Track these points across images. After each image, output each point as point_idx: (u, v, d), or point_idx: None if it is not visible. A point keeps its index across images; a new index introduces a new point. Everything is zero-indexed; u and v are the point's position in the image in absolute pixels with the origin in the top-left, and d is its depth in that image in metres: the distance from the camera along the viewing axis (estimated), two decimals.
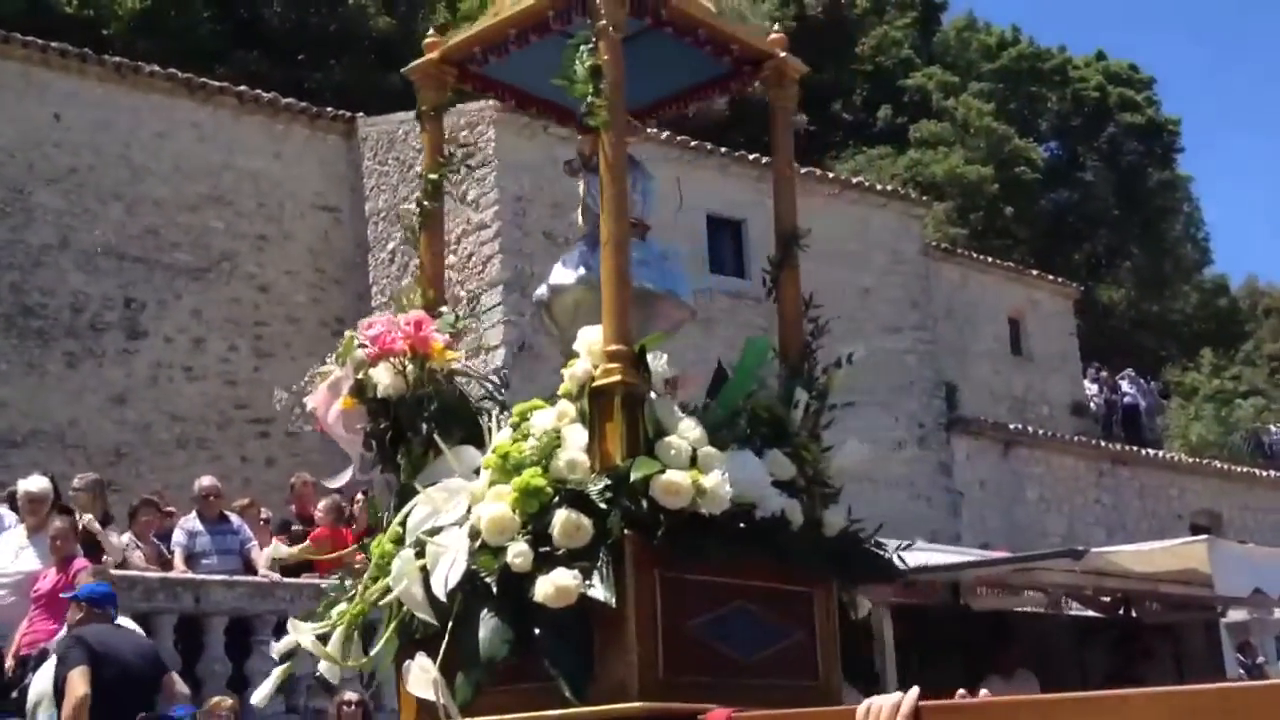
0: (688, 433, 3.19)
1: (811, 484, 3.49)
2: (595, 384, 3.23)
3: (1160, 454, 24.49)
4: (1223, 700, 1.73)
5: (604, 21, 3.38)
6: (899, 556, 3.78)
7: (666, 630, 3.08)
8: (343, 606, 3.41)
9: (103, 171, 17.64)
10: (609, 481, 3.09)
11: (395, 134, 19.52)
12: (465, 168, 4.06)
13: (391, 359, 3.47)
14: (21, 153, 17.32)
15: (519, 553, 3.04)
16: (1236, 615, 11.58)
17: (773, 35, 3.93)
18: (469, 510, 3.21)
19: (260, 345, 17.77)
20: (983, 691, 6.55)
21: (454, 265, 17.99)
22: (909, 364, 20.32)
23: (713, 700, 2.87)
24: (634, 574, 3.05)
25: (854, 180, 22.47)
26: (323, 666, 3.40)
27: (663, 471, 3.07)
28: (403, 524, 3.32)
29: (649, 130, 4.11)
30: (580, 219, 3.89)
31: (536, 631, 3.03)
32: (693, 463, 3.12)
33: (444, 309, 3.72)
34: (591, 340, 3.29)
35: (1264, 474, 25.27)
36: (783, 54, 3.87)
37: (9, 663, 8.20)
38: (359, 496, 10.10)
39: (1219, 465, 24.61)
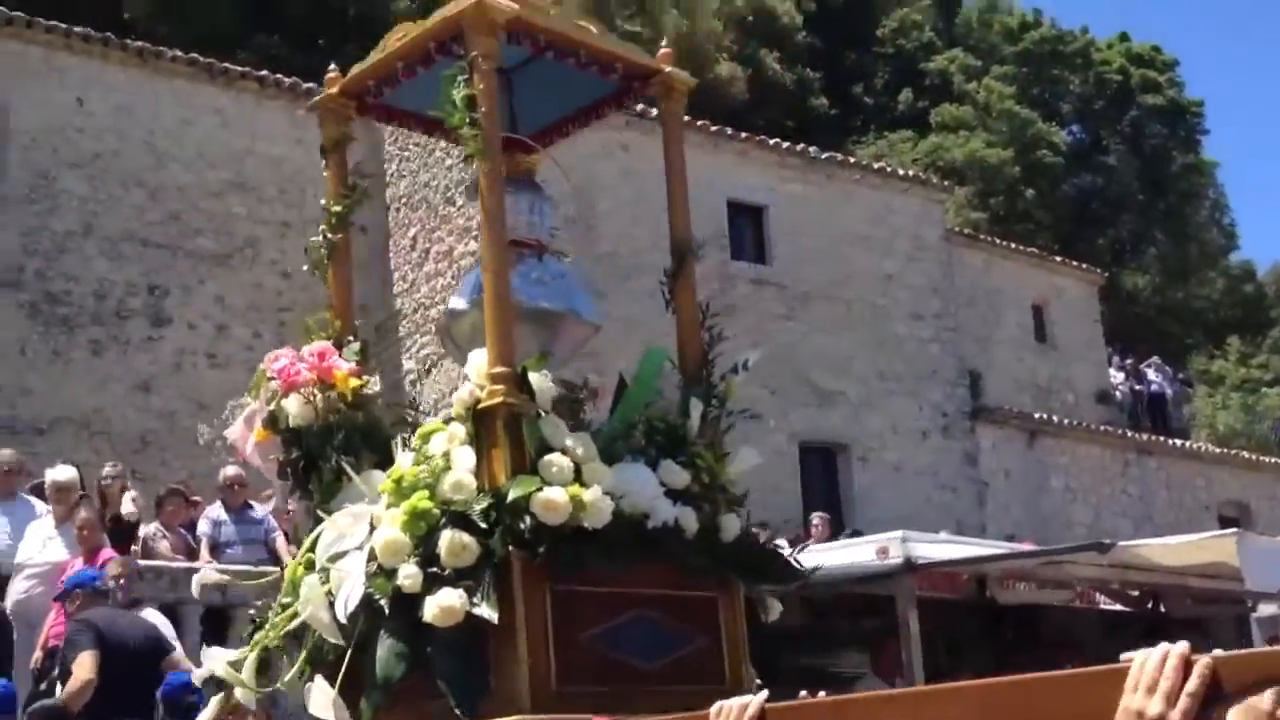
0: (576, 448, 3.29)
1: (708, 491, 3.57)
2: (480, 406, 3.33)
3: (1187, 444, 24.33)
4: (1024, 693, 1.81)
5: (476, 53, 3.50)
6: (796, 558, 3.95)
7: (559, 643, 3.18)
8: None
9: (126, 157, 17.64)
10: (491, 501, 3.19)
11: None
12: (366, 198, 4.14)
13: (302, 390, 3.59)
14: (45, 138, 17.33)
15: (408, 575, 3.15)
16: (1267, 610, 11.49)
17: (661, 51, 4.07)
18: (370, 534, 3.31)
19: (283, 332, 17.76)
20: None
21: (474, 252, 17.92)
22: (932, 352, 20.21)
23: (610, 709, 2.94)
24: (522, 590, 3.16)
25: (875, 165, 22.33)
26: (239, 693, 3.51)
27: (541, 489, 3.16)
28: (312, 549, 3.43)
29: (547, 151, 4.21)
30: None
31: (429, 650, 3.13)
32: (578, 477, 3.22)
33: (351, 338, 3.83)
34: (478, 364, 3.40)
35: None
36: (668, 68, 3.98)
37: (37, 654, 8.21)
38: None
39: (1247, 455, 24.43)
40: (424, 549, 3.19)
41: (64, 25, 17.76)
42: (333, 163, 4.07)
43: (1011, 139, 34.46)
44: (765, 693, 2.11)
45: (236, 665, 3.52)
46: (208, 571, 4.64)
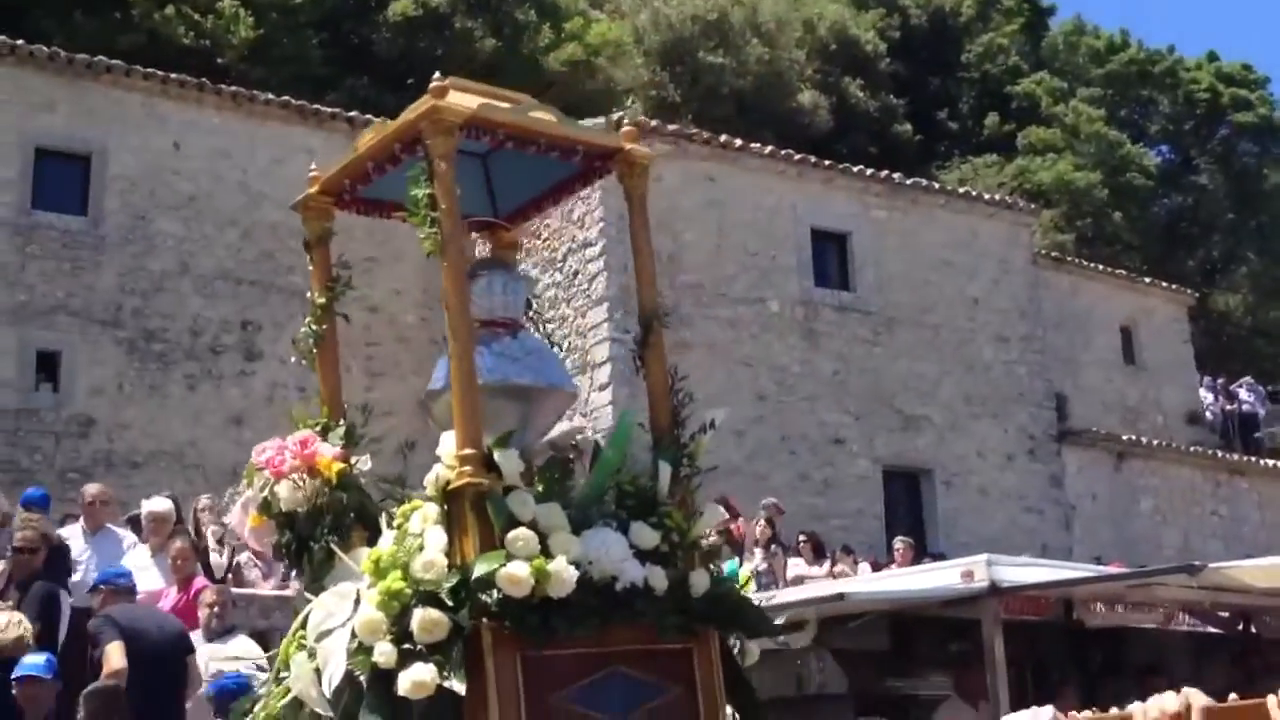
0: (544, 518, 3.48)
1: (678, 549, 3.72)
2: (450, 487, 3.51)
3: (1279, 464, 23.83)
4: None
5: (434, 154, 3.68)
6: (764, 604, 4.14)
7: (530, 705, 3.35)
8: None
9: (220, 198, 18.17)
10: (460, 579, 3.38)
11: None
12: (348, 289, 4.29)
13: (292, 476, 3.79)
14: (144, 181, 17.91)
15: (383, 651, 3.36)
16: None
17: (624, 129, 4.25)
18: (355, 612, 3.53)
19: (371, 365, 18.13)
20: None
21: (559, 283, 18.19)
22: (1019, 375, 20.04)
23: None
24: (493, 658, 3.35)
25: (960, 190, 22.23)
26: None
27: (505, 564, 3.34)
28: (303, 626, 3.65)
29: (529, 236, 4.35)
30: None
31: None
32: (545, 548, 3.41)
33: (340, 423, 4.02)
34: (448, 446, 3.58)
35: None
36: (629, 146, 4.13)
37: None
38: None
39: None
40: (399, 626, 3.38)
41: (160, 72, 18.36)
42: (317, 257, 4.27)
43: (1100, 161, 34.06)
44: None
45: None
46: (216, 648, 4.84)
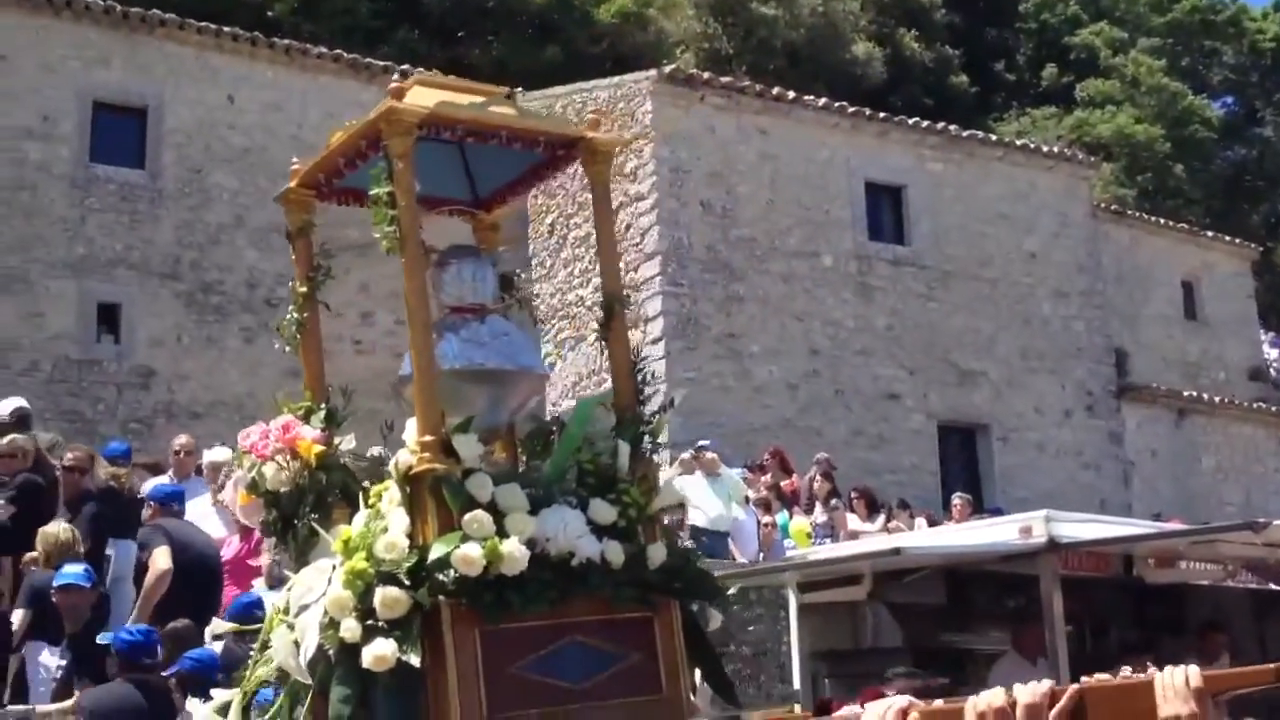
0: (503, 500, 3.68)
1: (636, 523, 3.89)
2: (411, 472, 3.71)
3: None
4: None
5: (393, 155, 3.84)
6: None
7: (489, 676, 3.57)
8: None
9: (274, 151, 18.21)
10: (417, 559, 3.59)
11: (553, 107, 19.70)
12: (329, 278, 4.45)
13: (276, 458, 4.01)
14: (199, 135, 18.00)
15: (348, 627, 3.59)
16: None
17: (589, 116, 4.35)
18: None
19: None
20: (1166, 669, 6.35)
21: None
22: (1077, 330, 19.80)
23: None
24: (452, 633, 3.56)
25: (1019, 143, 21.90)
26: None
27: (459, 546, 3.55)
28: (287, 600, 3.90)
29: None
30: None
31: (372, 694, 3.55)
32: (501, 529, 3.61)
33: (323, 405, 4.24)
34: (412, 432, 3.80)
35: None
36: (591, 134, 4.23)
37: None
38: None
39: None
40: (364, 603, 3.59)
41: (214, 26, 18.39)
42: (299, 247, 4.45)
43: (1161, 113, 33.46)
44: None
45: (223, 708, 4.01)
46: (218, 623, 5.12)
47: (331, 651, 3.65)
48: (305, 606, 3.76)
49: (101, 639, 6.76)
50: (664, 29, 29.45)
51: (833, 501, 13.54)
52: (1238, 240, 25.79)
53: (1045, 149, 21.63)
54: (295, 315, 4.38)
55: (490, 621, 3.59)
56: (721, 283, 17.38)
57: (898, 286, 18.60)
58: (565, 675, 3.67)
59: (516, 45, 26.75)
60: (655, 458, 4.18)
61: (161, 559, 7.70)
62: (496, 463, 4.06)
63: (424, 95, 3.99)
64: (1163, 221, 24.91)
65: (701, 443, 13.15)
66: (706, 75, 18.90)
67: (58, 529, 7.87)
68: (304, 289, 4.39)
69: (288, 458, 4.01)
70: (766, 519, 12.45)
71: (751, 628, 11.52)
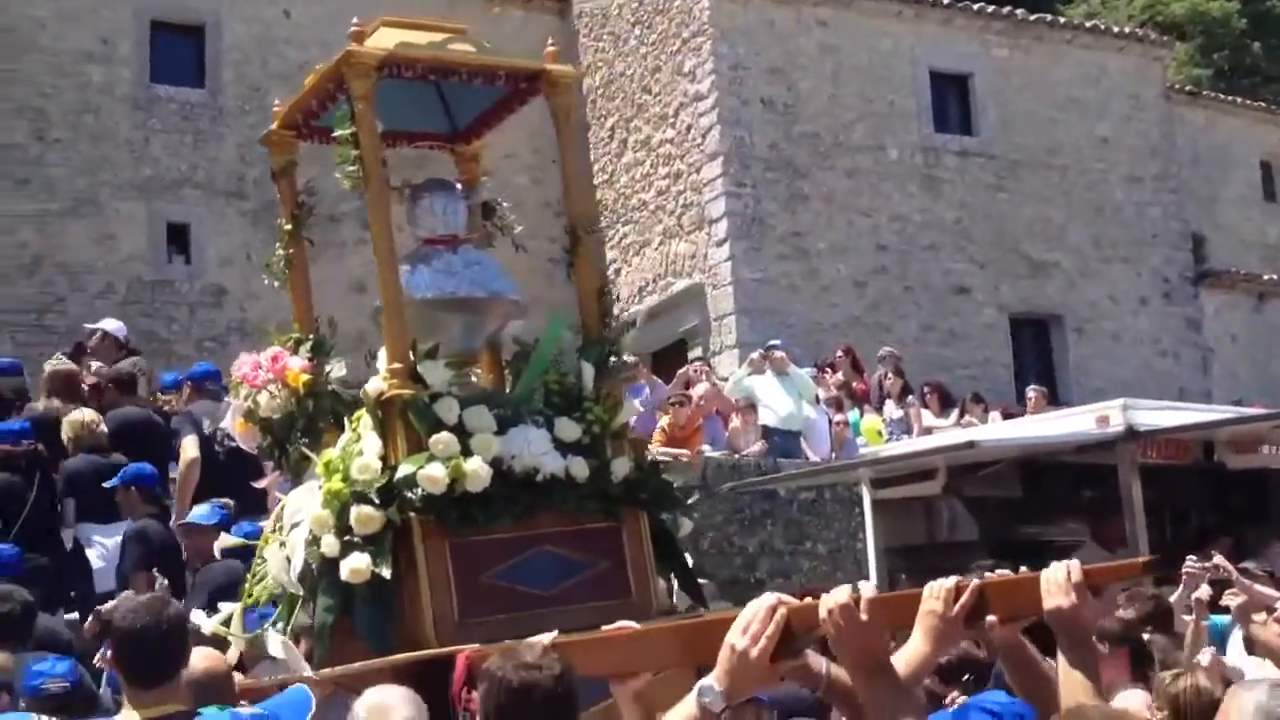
0: (471, 420, 3.90)
1: (600, 439, 4.09)
2: (382, 398, 3.96)
3: None
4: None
5: (354, 97, 4.06)
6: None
7: (460, 585, 3.80)
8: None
9: None
10: (386, 480, 3.83)
11: (608, 8, 19.42)
12: (311, 215, 4.66)
13: (267, 388, 4.26)
14: (256, 52, 17.98)
15: (328, 544, 3.85)
16: None
17: (546, 50, 4.48)
18: None
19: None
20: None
21: (672, 139, 17.92)
22: (1152, 216, 19.38)
23: (510, 631, 3.42)
24: (423, 546, 3.80)
25: (1088, 24, 21.28)
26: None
27: (424, 465, 3.77)
28: (280, 518, 4.17)
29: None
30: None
31: (351, 603, 3.82)
32: (466, 449, 3.83)
33: (311, 336, 4.46)
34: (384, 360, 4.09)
35: None
36: (550, 66, 4.37)
37: None
38: None
39: None
40: (341, 521, 3.83)
41: None
42: (283, 185, 4.65)
43: None
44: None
45: (227, 621, 4.31)
46: (226, 537, 5.26)
47: (314, 566, 3.91)
48: (295, 525, 4.02)
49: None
50: None
51: (908, 398, 13.45)
52: None
53: (1116, 30, 21.03)
54: (282, 252, 4.63)
55: (459, 535, 3.82)
56: (785, 181, 17.16)
57: (965, 178, 18.27)
58: (535, 582, 3.90)
59: None
60: (621, 374, 4.39)
61: (190, 449, 7.69)
62: (474, 385, 4.26)
63: (386, 37, 4.19)
64: (1240, 101, 24.17)
65: (772, 342, 13.09)
66: None
67: (83, 415, 7.84)
68: (289, 226, 4.61)
69: (278, 387, 4.25)
70: (838, 417, 12.40)
71: (826, 527, 11.53)
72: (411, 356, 4.02)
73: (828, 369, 14.21)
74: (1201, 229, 20.89)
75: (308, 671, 3.95)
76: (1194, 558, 6.31)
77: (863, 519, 10.02)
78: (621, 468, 4.11)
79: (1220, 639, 6.08)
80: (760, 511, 11.30)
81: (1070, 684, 2.48)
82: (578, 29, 19.98)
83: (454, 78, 4.31)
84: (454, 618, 3.75)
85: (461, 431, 3.88)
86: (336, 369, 4.38)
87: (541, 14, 19.85)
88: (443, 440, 3.83)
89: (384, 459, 3.89)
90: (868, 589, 2.35)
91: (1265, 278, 20.53)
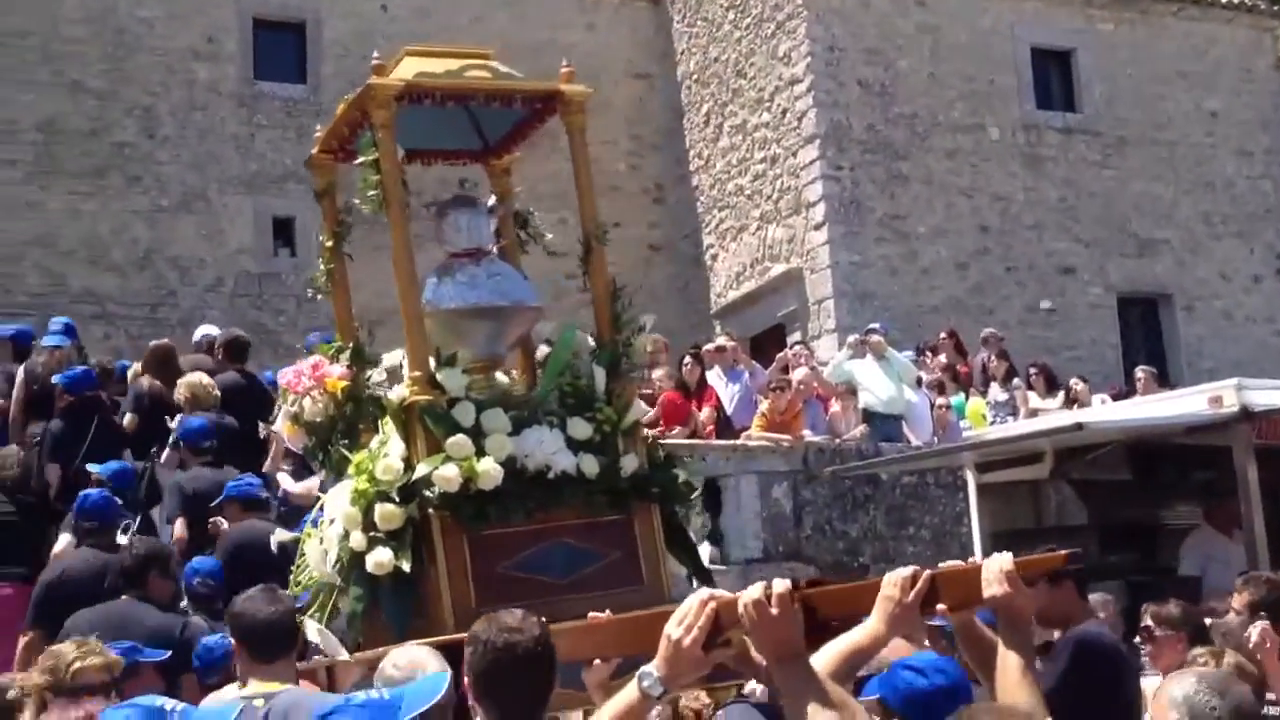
0: (488, 423, 4.22)
1: (611, 437, 4.39)
2: (405, 403, 4.32)
3: None
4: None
5: (376, 126, 4.38)
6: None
7: (478, 575, 4.13)
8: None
9: None
10: (407, 479, 4.18)
11: None
12: (350, 231, 4.96)
13: (310, 393, 4.63)
14: (355, 47, 18.19)
15: (356, 539, 4.22)
16: None
17: (562, 71, 4.73)
18: None
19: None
20: None
21: (769, 123, 17.83)
22: (1264, 190, 18.87)
23: None
24: (442, 540, 4.14)
25: None
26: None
27: (439, 466, 4.10)
28: (319, 516, 4.56)
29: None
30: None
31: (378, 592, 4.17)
32: (481, 450, 4.15)
33: (349, 346, 4.79)
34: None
35: None
36: (564, 87, 4.67)
37: None
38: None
39: None
40: (367, 517, 4.19)
41: None
42: (325, 205, 4.96)
43: None
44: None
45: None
46: (281, 532, 5.50)
47: (344, 559, 4.27)
48: (333, 521, 4.37)
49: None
50: None
51: (1014, 380, 13.26)
52: None
53: (1224, 1, 20.47)
54: (324, 266, 4.95)
55: (475, 529, 4.14)
56: (884, 163, 16.99)
57: (1069, 156, 17.94)
58: (550, 572, 4.21)
59: None
60: (633, 375, 4.71)
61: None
62: (498, 387, 4.55)
63: (408, 67, 4.51)
64: None
65: (871, 326, 12.99)
66: None
67: (199, 378, 8.34)
68: (330, 243, 4.92)
69: (320, 393, 4.63)
70: (940, 400, 12.26)
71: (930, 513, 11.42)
72: (432, 364, 4.36)
73: (929, 352, 14.06)
74: None
75: (344, 655, 4.22)
76: None
77: (967, 503, 9.91)
78: (631, 464, 4.39)
79: None
80: (863, 496, 11.22)
81: (1005, 664, 2.76)
82: (671, 15, 19.96)
83: (472, 102, 4.68)
84: (472, 606, 4.00)
85: (478, 433, 4.20)
86: (387, 361, 4.73)
87: (637, 1, 19.85)
88: (458, 442, 4.17)
89: (406, 460, 4.23)
90: (780, 585, 2.45)
91: None
